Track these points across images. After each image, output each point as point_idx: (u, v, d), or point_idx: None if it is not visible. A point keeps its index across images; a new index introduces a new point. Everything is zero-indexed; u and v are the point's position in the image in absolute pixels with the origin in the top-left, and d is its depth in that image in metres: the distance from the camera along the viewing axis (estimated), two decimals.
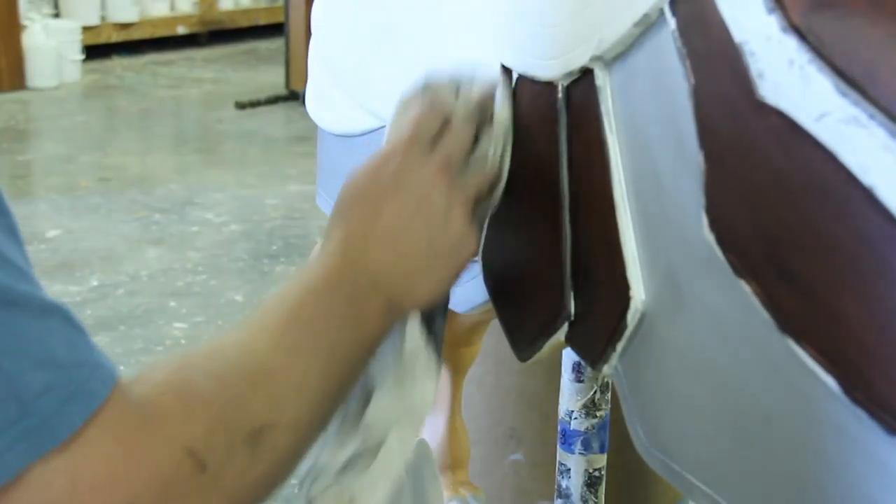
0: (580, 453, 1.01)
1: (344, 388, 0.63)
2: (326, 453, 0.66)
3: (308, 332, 0.61)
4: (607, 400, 1.01)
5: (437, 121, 0.70)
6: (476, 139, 0.70)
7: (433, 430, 1.33)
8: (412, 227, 0.65)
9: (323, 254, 0.65)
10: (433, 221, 0.65)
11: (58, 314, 0.51)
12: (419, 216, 0.65)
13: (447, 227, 0.65)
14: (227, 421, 0.55)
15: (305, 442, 0.61)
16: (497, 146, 0.70)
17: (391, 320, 0.65)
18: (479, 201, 0.70)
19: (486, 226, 0.71)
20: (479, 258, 0.89)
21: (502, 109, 0.71)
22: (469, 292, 0.92)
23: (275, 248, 3.27)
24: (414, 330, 0.67)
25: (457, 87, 0.72)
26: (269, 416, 0.57)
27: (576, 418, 1.00)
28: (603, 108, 0.71)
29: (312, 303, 0.62)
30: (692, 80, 0.63)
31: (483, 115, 0.71)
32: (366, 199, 0.66)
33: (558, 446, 1.03)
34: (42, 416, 0.48)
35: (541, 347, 0.82)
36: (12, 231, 0.53)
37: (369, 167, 0.68)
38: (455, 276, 0.67)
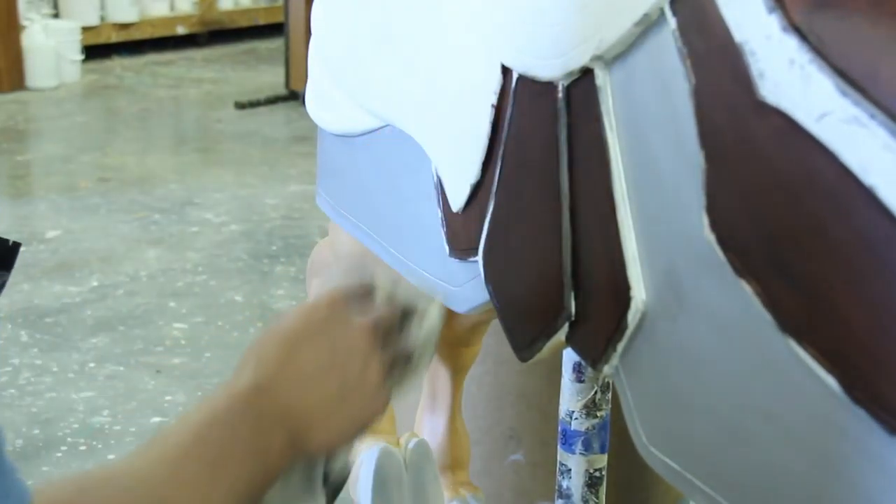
0: (581, 453, 1.00)
1: None
2: None
3: (207, 465, 0.61)
4: (608, 400, 1.01)
5: (365, 291, 0.73)
6: (400, 330, 0.74)
7: (433, 431, 1.33)
8: (327, 373, 0.67)
9: (233, 384, 0.66)
10: (348, 373, 0.67)
11: None
12: (335, 365, 0.67)
13: (360, 383, 0.68)
14: None
15: None
16: (421, 342, 0.74)
17: (292, 458, 0.66)
18: (392, 380, 0.72)
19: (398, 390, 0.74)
20: (479, 257, 0.89)
21: (434, 313, 0.75)
22: (469, 292, 0.92)
23: (274, 248, 3.27)
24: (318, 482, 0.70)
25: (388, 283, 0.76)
26: None
27: (576, 418, 1.00)
28: (603, 108, 0.71)
29: (216, 433, 0.63)
30: (693, 80, 0.63)
31: (408, 313, 0.74)
32: (286, 339, 0.68)
33: (559, 446, 1.02)
34: None
35: (541, 347, 0.82)
36: None
37: (295, 311, 0.70)
38: (359, 430, 0.69)
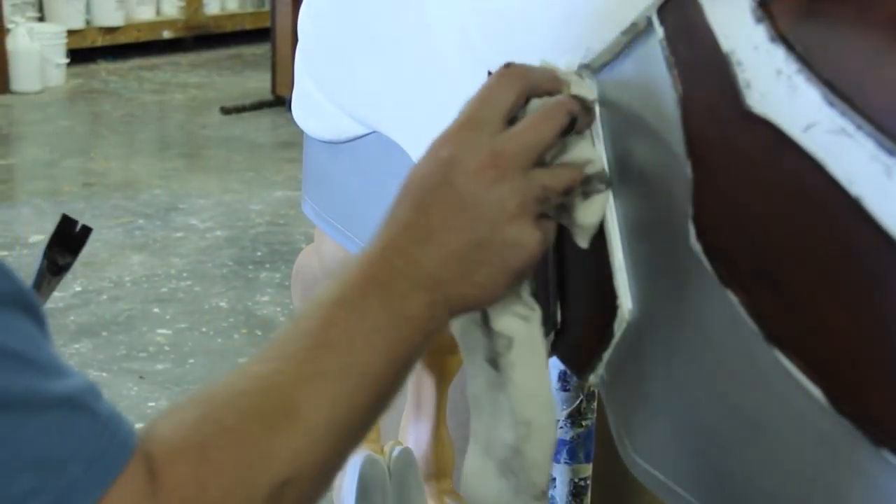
0: (566, 462, 1.00)
1: (383, 402, 0.58)
2: None
3: (336, 354, 0.56)
4: (593, 409, 1.01)
5: (512, 96, 0.62)
6: (566, 138, 0.62)
7: (418, 439, 1.32)
8: (454, 224, 0.59)
9: (364, 251, 0.60)
10: (477, 219, 0.59)
11: (63, 405, 0.50)
12: (461, 213, 0.59)
13: (494, 226, 0.59)
14: (246, 481, 0.52)
15: (329, 480, 0.57)
16: (593, 145, 0.64)
17: (440, 320, 0.59)
18: (558, 202, 0.63)
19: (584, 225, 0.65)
20: None
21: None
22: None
23: (259, 254, 3.26)
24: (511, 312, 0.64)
25: (563, 75, 0.64)
26: (292, 468, 0.53)
27: (561, 427, 1.00)
28: None
29: (343, 317, 0.57)
30: (680, 89, 0.63)
31: (585, 114, 0.63)
32: (412, 192, 0.61)
33: None
34: None
35: None
36: (29, 312, 0.52)
37: (427, 152, 0.62)
38: (511, 276, 0.60)
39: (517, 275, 0.61)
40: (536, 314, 0.65)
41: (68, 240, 1.04)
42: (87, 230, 1.01)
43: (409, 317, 0.58)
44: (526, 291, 0.65)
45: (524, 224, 0.60)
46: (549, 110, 0.62)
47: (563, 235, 0.76)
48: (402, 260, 0.59)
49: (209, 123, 4.69)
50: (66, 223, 1.04)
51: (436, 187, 0.60)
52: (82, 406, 0.51)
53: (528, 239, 0.60)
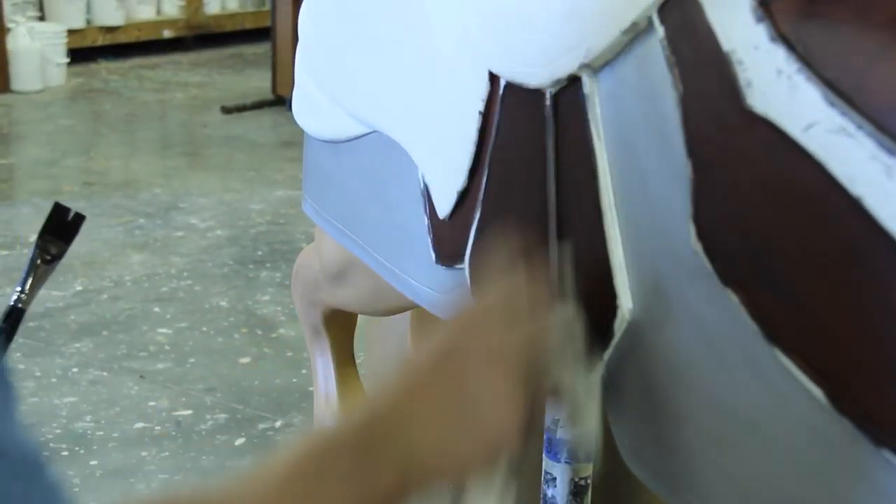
0: (566, 462, 1.00)
1: None
2: None
3: (297, 500, 0.57)
4: None
5: (529, 297, 0.66)
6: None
7: None
8: (440, 405, 0.61)
9: (355, 412, 0.63)
10: (465, 406, 0.61)
11: None
12: (451, 398, 0.62)
13: (480, 415, 0.61)
14: None
15: None
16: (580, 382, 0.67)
17: (407, 491, 0.60)
18: (537, 403, 0.66)
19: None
20: (466, 265, 0.88)
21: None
22: (456, 299, 0.92)
23: (260, 253, 3.26)
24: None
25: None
26: None
27: (562, 427, 1.00)
28: (591, 116, 0.71)
29: (312, 468, 0.58)
30: (680, 89, 0.63)
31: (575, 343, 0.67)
32: (418, 365, 0.64)
33: (544, 455, 1.02)
34: None
35: None
36: None
37: (443, 329, 0.65)
38: (484, 462, 0.62)
39: (489, 459, 0.62)
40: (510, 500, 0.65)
41: (61, 228, 1.03)
42: (80, 218, 1.00)
43: (375, 481, 0.59)
44: (500, 476, 0.65)
45: (506, 416, 0.62)
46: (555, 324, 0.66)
47: (564, 234, 0.76)
48: (383, 427, 0.60)
49: (210, 122, 4.69)
50: (59, 211, 1.02)
51: (434, 367, 0.63)
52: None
53: (508, 431, 0.62)
